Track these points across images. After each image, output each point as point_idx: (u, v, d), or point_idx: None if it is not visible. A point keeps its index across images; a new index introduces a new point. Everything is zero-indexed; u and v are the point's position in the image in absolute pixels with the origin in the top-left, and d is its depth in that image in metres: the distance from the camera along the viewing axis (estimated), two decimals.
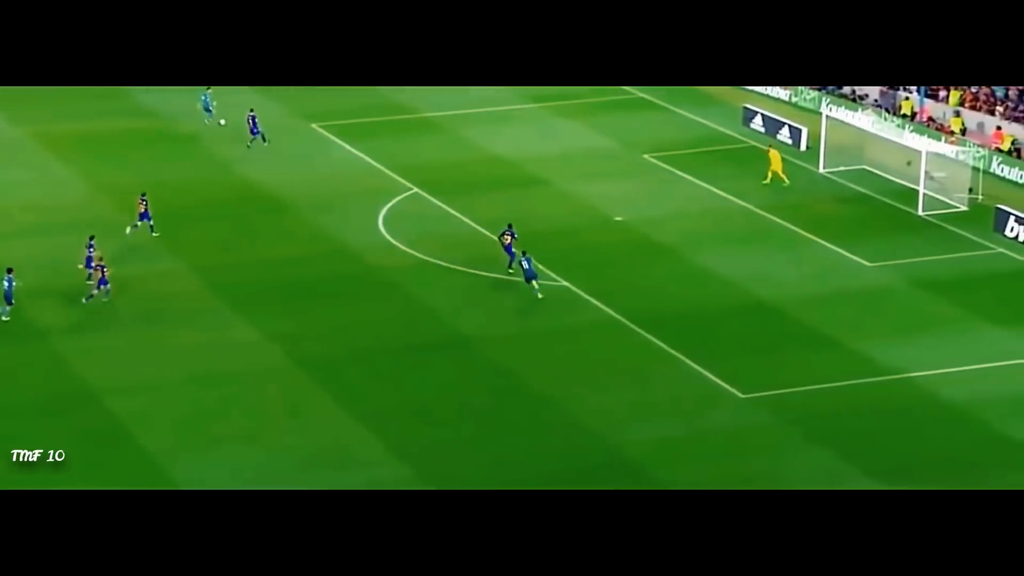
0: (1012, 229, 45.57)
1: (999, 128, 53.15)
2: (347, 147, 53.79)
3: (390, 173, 51.23)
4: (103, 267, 39.98)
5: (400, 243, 44.93)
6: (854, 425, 34.30)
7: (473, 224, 46.51)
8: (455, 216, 47.18)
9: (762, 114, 55.58)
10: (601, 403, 35.21)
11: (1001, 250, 44.86)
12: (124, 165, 52.13)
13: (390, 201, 48.23)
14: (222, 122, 54.54)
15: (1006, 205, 46.56)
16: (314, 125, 56.11)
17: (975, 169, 49.49)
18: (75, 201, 48.69)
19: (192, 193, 49.51)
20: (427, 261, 43.34)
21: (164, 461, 32.10)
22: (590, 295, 41.11)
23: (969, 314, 40.06)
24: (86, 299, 39.80)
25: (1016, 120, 53.26)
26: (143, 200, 44.73)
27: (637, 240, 45.30)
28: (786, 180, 49.72)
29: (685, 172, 51.22)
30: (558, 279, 42.26)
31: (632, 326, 39.14)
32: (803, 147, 53.54)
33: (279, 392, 35.69)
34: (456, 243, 44.85)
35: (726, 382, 36.13)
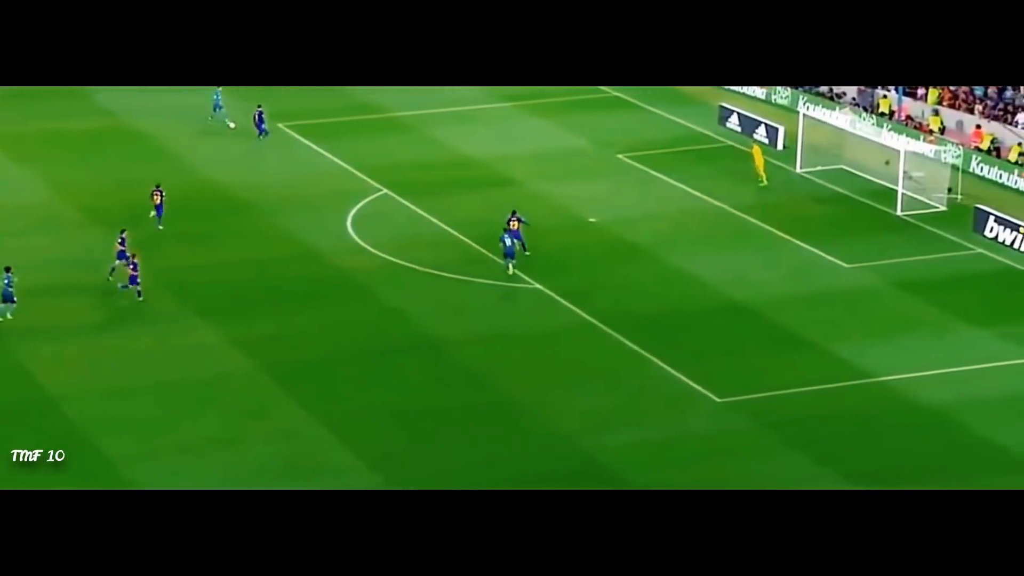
0: (991, 229, 45.94)
1: (978, 127, 53.60)
2: (315, 147, 53.76)
3: (359, 174, 51.26)
4: (135, 263, 40.15)
5: (369, 245, 44.97)
6: (831, 430, 34.52)
7: (443, 226, 46.59)
8: (425, 217, 47.24)
9: (738, 113, 55.87)
10: (574, 407, 35.33)
11: (980, 251, 45.20)
12: (83, 165, 52.01)
13: (359, 202, 48.24)
14: (231, 124, 53.86)
15: (985, 205, 46.92)
16: (281, 125, 56.11)
17: (954, 168, 49.85)
18: (34, 201, 48.52)
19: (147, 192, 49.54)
20: (397, 263, 43.41)
21: (125, 469, 32.04)
22: (563, 297, 41.25)
23: (948, 316, 40.36)
24: (123, 287, 40.28)
25: (995, 119, 53.72)
26: (158, 192, 45.50)
27: (611, 241, 45.47)
28: (764, 180, 50.02)
29: (660, 172, 51.41)
30: (531, 281, 42.38)
31: (606, 329, 39.29)
32: (780, 146, 53.79)
33: (243, 398, 35.67)
34: (426, 245, 44.90)
35: (701, 385, 36.32)
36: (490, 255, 44.18)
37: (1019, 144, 51.77)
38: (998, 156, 52.00)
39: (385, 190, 49.59)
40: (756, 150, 50.70)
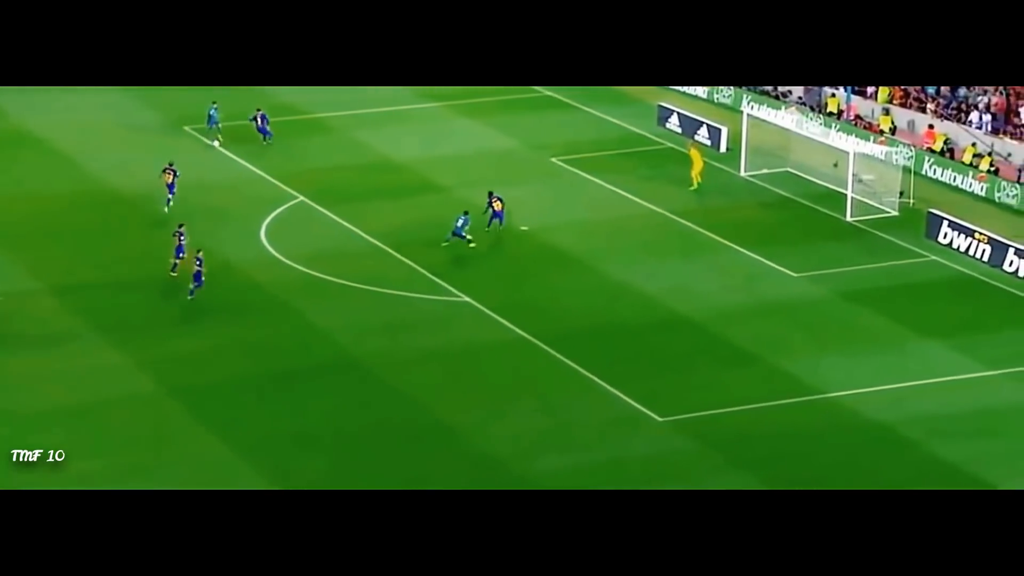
0: (945, 235, 46.46)
1: (931, 127, 54.24)
2: (225, 152, 53.47)
3: (273, 180, 51.01)
4: (200, 259, 40.68)
5: (285, 257, 44.75)
6: (778, 448, 34.77)
7: (365, 235, 46.49)
8: (345, 227, 47.08)
9: (678, 113, 56.20)
10: (507, 429, 35.33)
11: (934, 257, 45.67)
12: None
13: (273, 211, 48.06)
14: (216, 144, 52.62)
15: (939, 209, 47.43)
16: (187, 128, 55.76)
17: (906, 171, 50.36)
18: None
19: (50, 204, 48.96)
20: (315, 277, 43.25)
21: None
22: (494, 311, 41.25)
23: (901, 327, 40.72)
24: (191, 294, 40.97)
25: (948, 118, 54.39)
26: (170, 170, 46.72)
27: (544, 251, 45.56)
28: (695, 183, 50.17)
29: (596, 176, 51.60)
30: (459, 294, 42.37)
31: (540, 344, 39.34)
32: (723, 148, 54.16)
33: (149, 424, 35.40)
34: (347, 256, 44.78)
35: (642, 404, 36.44)
36: (415, 266, 44.12)
37: (973, 145, 52.49)
38: (952, 157, 52.65)
39: (302, 197, 49.43)
40: (695, 152, 50.93)
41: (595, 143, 54.92)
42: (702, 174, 50.52)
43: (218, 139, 53.06)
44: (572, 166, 52.50)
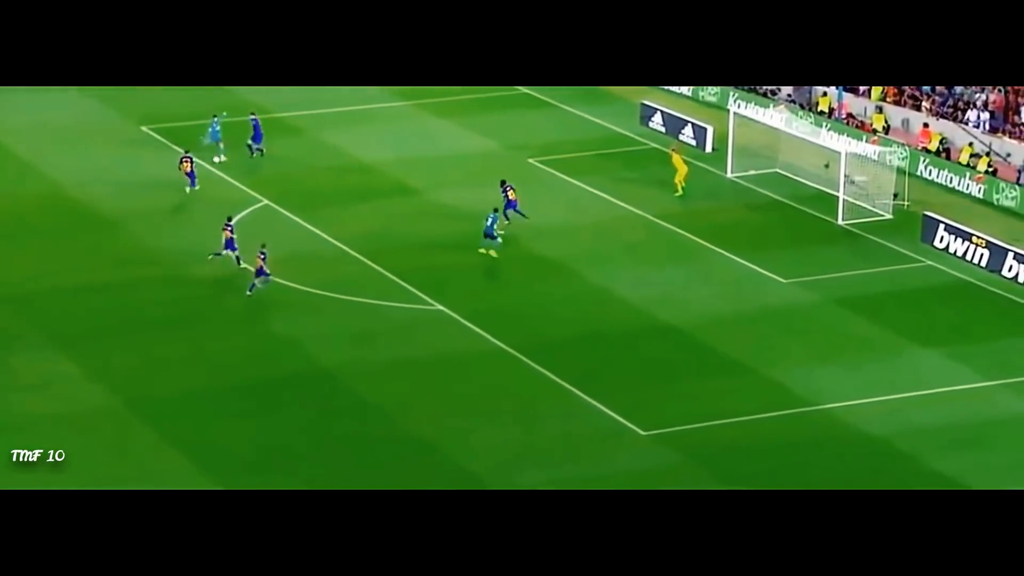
0: (942, 239, 46.57)
1: (926, 125, 54.40)
2: (185, 153, 53.38)
3: (236, 183, 50.89)
4: (264, 253, 41.51)
5: (248, 264, 44.73)
6: (769, 463, 34.80)
7: (334, 241, 46.41)
8: (312, 232, 47.00)
9: (662, 111, 56.25)
10: (483, 444, 35.30)
11: (930, 263, 45.77)
12: None
13: (237, 215, 47.92)
14: (220, 160, 51.92)
15: (935, 212, 47.55)
16: (145, 128, 55.62)
17: (900, 172, 50.48)
18: None
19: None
20: (281, 284, 43.15)
21: None
22: (469, 320, 41.24)
23: (895, 335, 40.80)
24: (250, 290, 41.77)
25: (944, 116, 54.54)
26: (188, 159, 48.96)
27: (522, 256, 45.56)
28: (679, 190, 50.27)
29: (575, 178, 51.62)
30: (432, 302, 42.34)
31: (517, 355, 39.33)
32: (708, 148, 54.22)
33: (105, 438, 35.24)
34: (314, 262, 44.72)
35: (625, 417, 36.43)
36: (387, 273, 44.06)
37: (971, 144, 52.65)
38: (948, 158, 52.78)
39: (266, 201, 49.35)
40: (678, 159, 50.79)
41: (575, 143, 54.98)
42: (687, 179, 50.53)
43: (221, 156, 52.03)
44: (551, 167, 52.52)
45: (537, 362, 38.88)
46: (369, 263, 44.71)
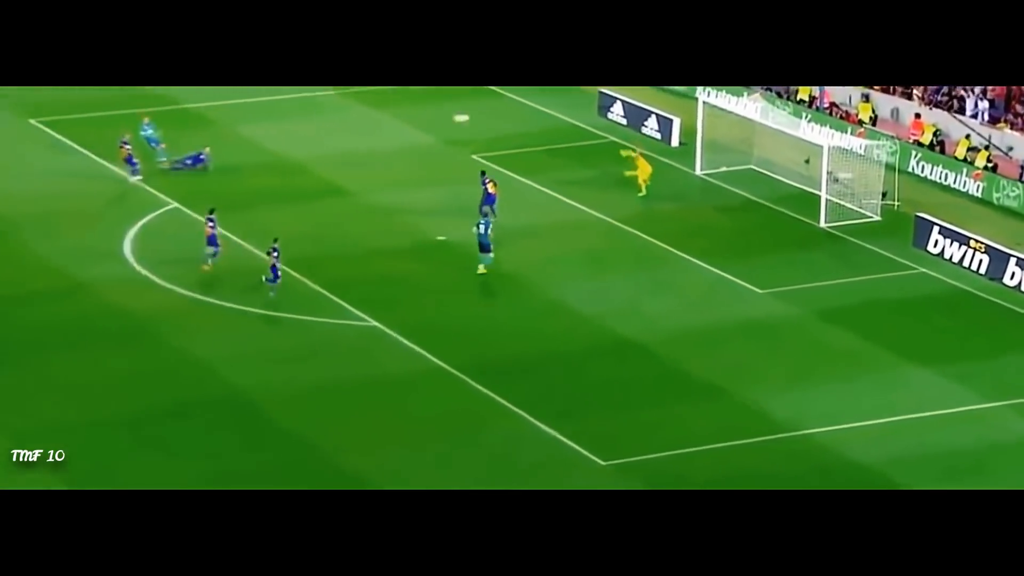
0: (936, 243, 46.77)
1: (918, 116, 54.69)
2: (82, 151, 52.94)
3: (140, 183, 50.55)
4: (276, 251, 42.59)
5: (154, 275, 44.41)
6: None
7: (253, 249, 46.22)
8: (229, 239, 46.74)
9: (622, 101, 56.33)
10: (421, 476, 35.11)
11: (923, 270, 46.01)
12: None
13: (140, 220, 47.71)
14: (164, 163, 51.63)
15: (928, 213, 47.79)
16: (34, 121, 55.27)
17: (889, 168, 50.72)
18: None
19: None
20: (191, 297, 43.05)
21: None
22: (407, 337, 41.19)
23: (886, 353, 40.91)
24: (271, 290, 42.82)
25: (938, 106, 54.83)
26: (125, 145, 49.49)
27: (465, 265, 45.48)
28: (643, 190, 50.33)
29: (526, 177, 51.63)
30: (365, 318, 42.25)
31: (461, 375, 39.30)
32: (675, 142, 54.35)
33: None
34: (230, 274, 44.60)
35: (582, 446, 36.39)
36: (314, 285, 43.97)
37: (968, 137, 52.95)
38: (943, 152, 53.09)
39: (175, 203, 49.17)
40: (641, 160, 50.70)
41: (525, 137, 55.03)
42: (651, 178, 50.56)
43: (164, 158, 51.70)
44: (498, 165, 52.42)
45: (483, 384, 38.83)
46: (293, 273, 44.50)
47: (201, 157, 51.69)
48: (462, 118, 51.07)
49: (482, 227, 44.50)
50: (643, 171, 50.58)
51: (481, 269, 44.53)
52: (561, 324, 42.27)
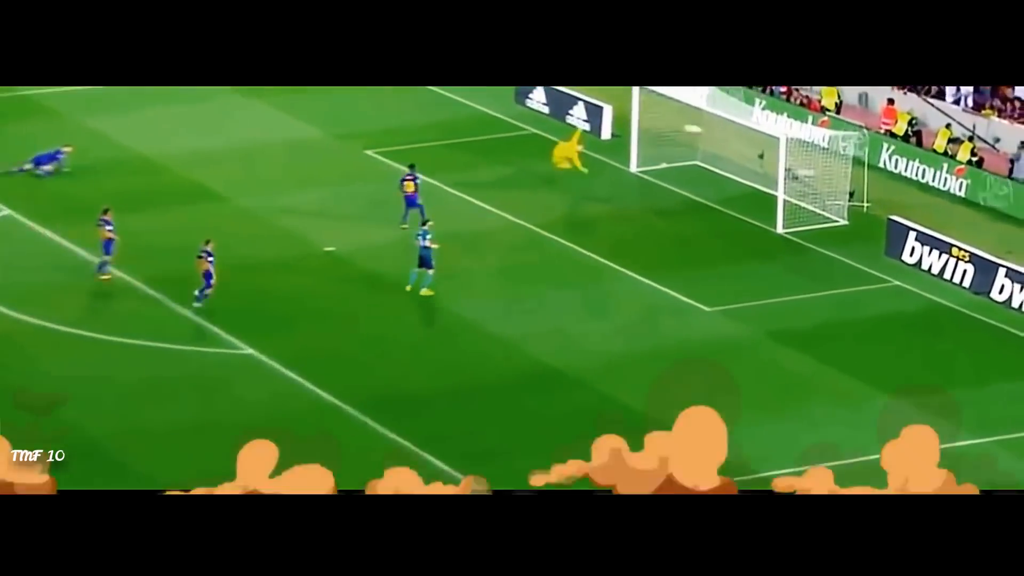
0: (912, 251, 46.90)
1: (891, 102, 54.88)
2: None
3: None
4: (208, 254, 43.31)
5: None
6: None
7: (94, 259, 45.94)
8: (72, 252, 46.55)
9: (544, 87, 56.17)
10: None
11: (897, 283, 46.21)
12: None
13: None
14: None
15: (903, 216, 47.95)
16: None
17: (857, 163, 50.89)
18: None
19: None
20: (23, 321, 42.85)
21: None
22: (288, 367, 41.17)
23: (855, 381, 41.07)
24: (198, 300, 43.43)
25: (914, 90, 55.00)
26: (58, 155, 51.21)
27: (356, 280, 45.60)
28: (580, 167, 50.46)
29: (431, 176, 51.45)
30: (239, 344, 42.23)
31: (354, 412, 39.31)
32: (606, 134, 54.42)
33: None
34: (72, 293, 44.73)
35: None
36: (175, 306, 43.90)
37: (948, 127, 53.15)
38: (919, 144, 53.31)
39: (7, 210, 48.98)
40: (561, 144, 50.80)
41: (428, 129, 55.16)
42: (575, 169, 50.61)
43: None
44: (395, 161, 52.16)
45: (377, 420, 38.89)
46: (151, 292, 44.54)
47: (58, 156, 51.41)
48: (694, 129, 50.36)
49: (420, 239, 44.38)
50: (567, 150, 50.44)
51: (425, 291, 44.27)
52: (473, 350, 42.37)
